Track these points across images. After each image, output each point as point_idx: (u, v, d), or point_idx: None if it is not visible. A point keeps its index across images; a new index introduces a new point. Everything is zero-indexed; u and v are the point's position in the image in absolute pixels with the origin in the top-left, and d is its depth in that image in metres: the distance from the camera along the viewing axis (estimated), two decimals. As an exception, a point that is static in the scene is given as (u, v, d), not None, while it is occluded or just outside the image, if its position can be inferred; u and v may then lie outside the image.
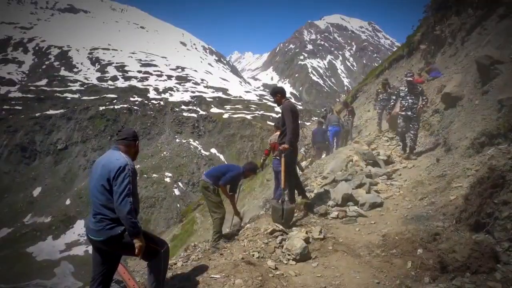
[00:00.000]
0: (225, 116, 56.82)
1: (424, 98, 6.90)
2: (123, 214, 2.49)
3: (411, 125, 7.04)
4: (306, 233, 4.14)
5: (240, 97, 73.93)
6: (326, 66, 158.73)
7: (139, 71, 78.45)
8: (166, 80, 74.56)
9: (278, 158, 5.83)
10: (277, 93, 4.92)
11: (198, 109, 60.28)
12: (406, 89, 7.05)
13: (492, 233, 3.01)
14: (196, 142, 52.94)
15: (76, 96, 60.27)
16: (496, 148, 4.48)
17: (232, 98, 69.62)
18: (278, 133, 6.05)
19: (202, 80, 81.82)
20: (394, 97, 7.64)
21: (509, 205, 2.97)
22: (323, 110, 16.00)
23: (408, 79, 6.99)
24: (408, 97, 7.00)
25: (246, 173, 4.95)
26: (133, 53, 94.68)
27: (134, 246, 2.61)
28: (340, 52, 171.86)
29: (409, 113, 6.99)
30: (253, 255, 3.69)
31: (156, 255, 2.76)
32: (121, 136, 2.79)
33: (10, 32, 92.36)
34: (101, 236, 2.57)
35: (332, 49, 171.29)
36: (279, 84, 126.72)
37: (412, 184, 5.63)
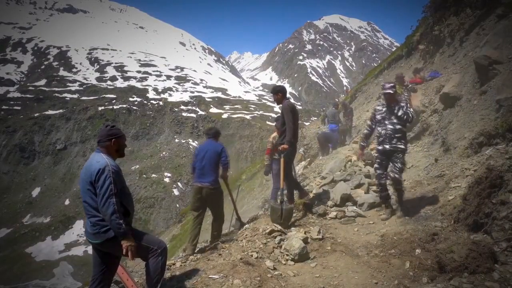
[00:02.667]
0: (224, 116, 56.76)
1: (409, 115, 4.41)
2: (107, 216, 2.51)
3: (391, 164, 4.57)
4: (305, 233, 4.15)
5: (239, 97, 73.87)
6: (325, 66, 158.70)
7: (138, 71, 78.37)
8: (165, 80, 74.50)
9: (275, 157, 5.87)
10: (278, 92, 4.93)
11: (197, 109, 60.21)
12: (384, 109, 4.59)
13: (490, 233, 3.02)
14: (196, 142, 52.84)
15: (75, 96, 60.18)
16: (494, 148, 4.49)
17: (231, 98, 69.58)
18: (275, 134, 6.07)
19: (201, 80, 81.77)
20: (380, 115, 4.65)
21: (507, 205, 2.98)
22: (322, 109, 16.08)
23: (387, 91, 4.48)
24: (387, 121, 4.51)
25: (218, 138, 4.81)
26: (132, 53, 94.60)
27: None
28: (339, 52, 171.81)
29: (387, 146, 4.48)
30: (252, 255, 3.70)
31: (152, 254, 2.75)
32: (97, 138, 2.79)
33: (9, 32, 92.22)
34: (97, 239, 2.61)
35: (331, 49, 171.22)
36: (278, 84, 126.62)
37: (411, 184, 5.64)
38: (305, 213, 5.01)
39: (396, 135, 4.45)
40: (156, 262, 2.74)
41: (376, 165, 4.73)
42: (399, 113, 4.42)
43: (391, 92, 4.45)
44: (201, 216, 4.58)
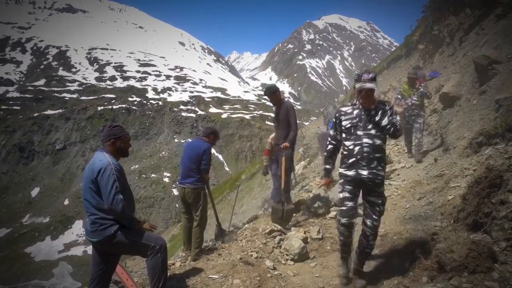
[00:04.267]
0: (224, 116, 56.73)
1: (396, 126, 2.86)
2: (117, 214, 2.55)
3: (367, 205, 2.99)
4: (305, 233, 4.16)
5: (239, 97, 73.89)
6: (325, 66, 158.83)
7: (138, 71, 78.26)
8: (164, 80, 74.42)
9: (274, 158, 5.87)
10: (276, 91, 4.97)
11: (196, 109, 60.18)
12: (356, 111, 2.97)
13: (489, 232, 3.01)
14: (195, 142, 52.76)
15: (74, 96, 60.09)
16: (493, 148, 4.50)
17: (230, 98, 69.59)
18: (274, 134, 6.05)
19: (201, 80, 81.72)
20: (349, 121, 3.01)
21: (506, 204, 2.98)
22: (321, 110, 16.12)
23: (367, 86, 2.82)
24: (360, 131, 2.92)
25: (213, 141, 4.50)
26: (131, 53, 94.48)
27: (128, 245, 2.66)
28: (339, 52, 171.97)
29: (364, 172, 2.88)
30: (252, 255, 3.70)
31: (150, 252, 2.76)
32: (101, 137, 2.86)
33: (8, 32, 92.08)
34: (96, 237, 2.62)
35: (331, 49, 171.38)
36: (278, 84, 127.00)
37: (410, 184, 5.64)
38: (304, 213, 5.01)
39: (376, 155, 2.88)
40: (155, 259, 2.74)
41: (345, 194, 2.95)
42: (383, 122, 2.86)
43: (374, 88, 2.83)
44: (190, 220, 4.39)
